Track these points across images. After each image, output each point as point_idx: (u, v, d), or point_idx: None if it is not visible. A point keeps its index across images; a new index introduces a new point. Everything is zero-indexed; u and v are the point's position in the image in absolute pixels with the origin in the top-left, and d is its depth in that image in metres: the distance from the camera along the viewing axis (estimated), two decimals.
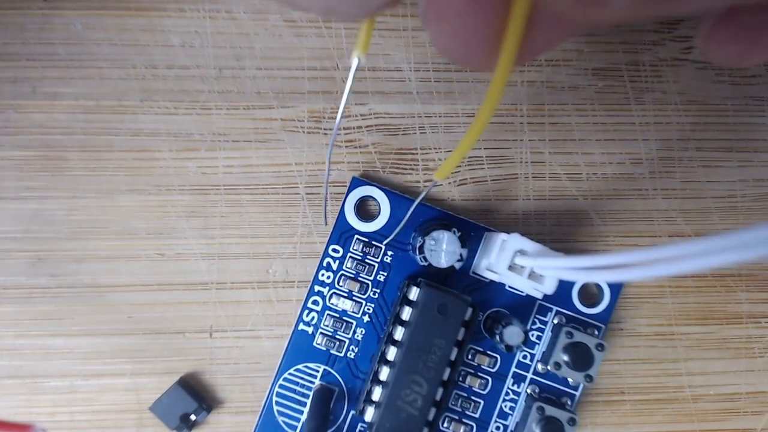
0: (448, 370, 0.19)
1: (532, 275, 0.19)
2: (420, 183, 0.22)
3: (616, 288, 0.21)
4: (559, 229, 0.22)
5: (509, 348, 0.20)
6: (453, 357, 0.19)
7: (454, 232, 0.20)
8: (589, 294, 0.22)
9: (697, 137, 0.22)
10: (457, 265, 0.20)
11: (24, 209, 0.21)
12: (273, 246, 0.21)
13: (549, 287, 0.19)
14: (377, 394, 0.19)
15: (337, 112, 0.21)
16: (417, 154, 0.22)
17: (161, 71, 0.21)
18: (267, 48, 0.21)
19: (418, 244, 0.20)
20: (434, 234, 0.20)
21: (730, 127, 0.22)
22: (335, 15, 0.11)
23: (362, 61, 0.14)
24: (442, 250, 0.20)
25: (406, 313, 0.19)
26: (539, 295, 0.20)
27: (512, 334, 0.20)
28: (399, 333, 0.19)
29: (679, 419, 0.22)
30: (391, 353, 0.19)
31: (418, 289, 0.19)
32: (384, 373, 0.19)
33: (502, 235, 0.20)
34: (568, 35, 0.11)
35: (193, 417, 0.21)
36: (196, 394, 0.21)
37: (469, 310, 0.19)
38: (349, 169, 0.22)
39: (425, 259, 0.20)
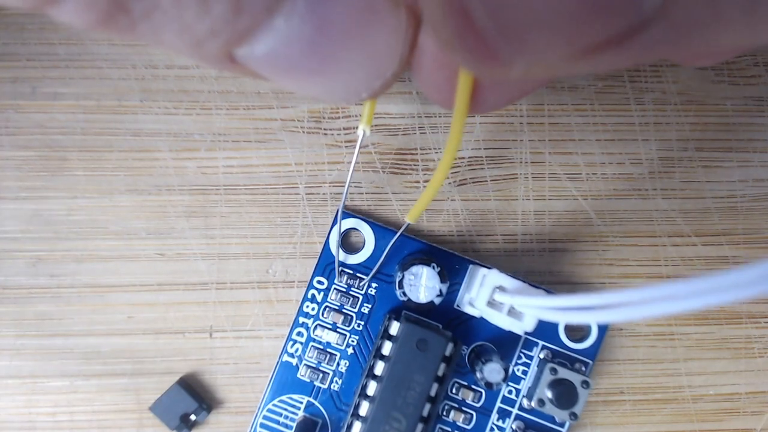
0: (428, 406, 0.19)
1: (512, 312, 0.19)
2: (420, 183, 0.22)
3: (603, 323, 0.21)
4: (559, 229, 0.22)
5: (489, 385, 0.19)
6: (433, 393, 0.19)
7: (434, 267, 0.20)
8: (577, 328, 0.21)
9: (696, 137, 0.22)
10: (437, 301, 0.20)
11: (24, 209, 0.21)
12: (273, 246, 0.21)
13: (528, 325, 0.19)
14: (357, 429, 0.19)
15: (337, 113, 0.22)
16: (417, 154, 0.22)
17: (161, 71, 0.21)
18: None
19: (398, 279, 0.20)
20: (413, 269, 0.20)
21: (729, 128, 0.22)
22: (330, 101, 0.13)
23: (368, 133, 0.15)
24: (421, 285, 0.20)
25: (387, 347, 0.19)
26: (520, 332, 0.19)
27: (492, 371, 0.19)
28: (379, 368, 0.19)
29: (678, 419, 0.22)
30: (372, 388, 0.19)
31: (399, 324, 0.19)
32: (364, 408, 0.19)
33: (483, 270, 0.20)
34: (518, 95, 0.13)
35: (193, 417, 0.21)
36: (196, 394, 0.21)
37: (450, 346, 0.19)
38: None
39: (405, 294, 0.20)
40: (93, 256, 0.21)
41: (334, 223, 0.21)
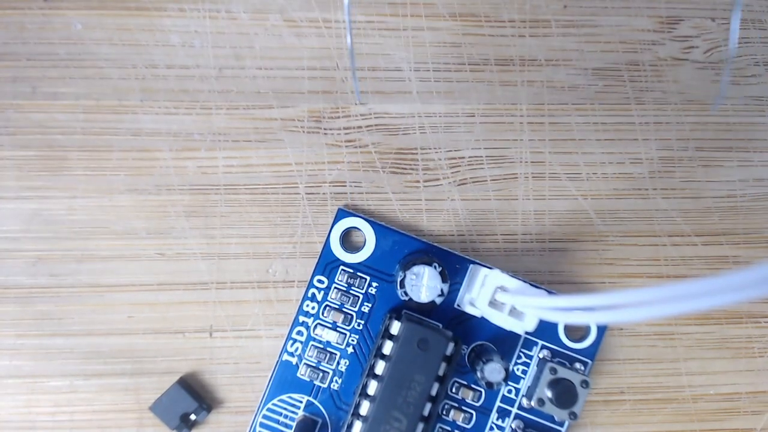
0: (428, 406, 0.19)
1: (513, 312, 0.19)
2: (420, 183, 0.22)
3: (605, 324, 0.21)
4: (559, 229, 0.22)
5: (490, 385, 0.19)
6: (434, 392, 0.19)
7: (435, 267, 0.20)
8: (576, 328, 0.21)
9: (696, 137, 0.22)
10: (438, 300, 0.20)
11: (24, 209, 0.21)
12: (273, 246, 0.21)
13: (530, 325, 0.19)
14: (357, 428, 0.19)
15: (337, 113, 0.22)
16: (417, 153, 0.22)
17: (161, 71, 0.21)
18: (267, 48, 0.21)
19: (399, 279, 0.20)
20: (415, 269, 0.20)
21: (729, 127, 0.22)
22: None
23: None
24: (423, 285, 0.20)
25: (388, 347, 0.19)
26: (521, 332, 0.19)
27: (493, 370, 0.19)
28: (380, 367, 0.19)
29: (678, 419, 0.22)
30: (372, 387, 0.19)
31: (400, 323, 0.19)
32: (365, 408, 0.19)
33: (484, 270, 0.20)
34: None
35: (193, 417, 0.21)
36: (195, 394, 0.21)
37: (451, 345, 0.19)
38: (350, 168, 0.22)
39: (406, 293, 0.20)
40: (93, 255, 0.21)
41: (335, 221, 0.21)
